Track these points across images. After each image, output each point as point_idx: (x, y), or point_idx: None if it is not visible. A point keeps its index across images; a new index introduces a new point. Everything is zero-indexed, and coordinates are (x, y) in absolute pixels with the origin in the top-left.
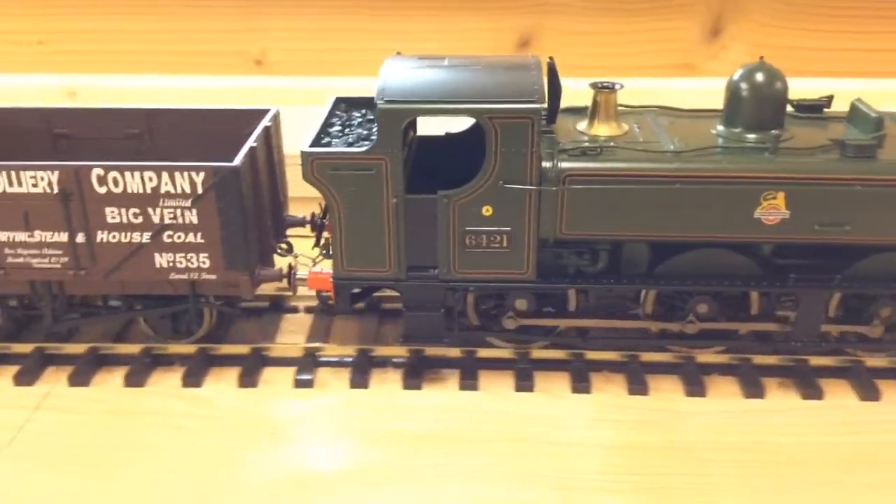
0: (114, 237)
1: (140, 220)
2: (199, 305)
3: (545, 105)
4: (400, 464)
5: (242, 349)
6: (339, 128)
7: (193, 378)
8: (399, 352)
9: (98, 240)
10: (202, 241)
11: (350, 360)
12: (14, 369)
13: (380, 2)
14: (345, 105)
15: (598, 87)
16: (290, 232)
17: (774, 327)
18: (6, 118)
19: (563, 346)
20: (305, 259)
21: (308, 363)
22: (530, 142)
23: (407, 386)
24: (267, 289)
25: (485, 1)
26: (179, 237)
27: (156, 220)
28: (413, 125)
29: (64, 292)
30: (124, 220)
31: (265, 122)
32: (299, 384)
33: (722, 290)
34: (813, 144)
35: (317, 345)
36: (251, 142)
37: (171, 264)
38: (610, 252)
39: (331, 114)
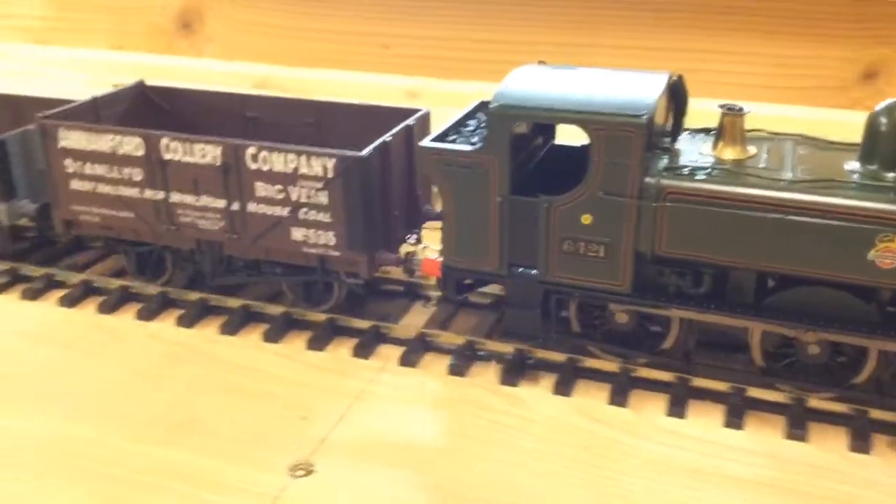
0: (261, 208)
1: (282, 195)
2: (328, 279)
3: (650, 120)
4: None
5: (558, 357)
6: (471, 128)
7: (511, 377)
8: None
9: (249, 209)
10: (330, 220)
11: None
12: (353, 342)
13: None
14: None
15: (726, 110)
16: (428, 225)
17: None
18: (210, 100)
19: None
20: (433, 250)
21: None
22: (633, 155)
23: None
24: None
25: (825, 28)
26: (312, 215)
27: (294, 197)
28: (545, 130)
29: (222, 252)
30: (270, 195)
31: (409, 120)
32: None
33: (829, 336)
34: None
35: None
36: (385, 136)
37: (304, 238)
38: (714, 276)
39: (469, 115)
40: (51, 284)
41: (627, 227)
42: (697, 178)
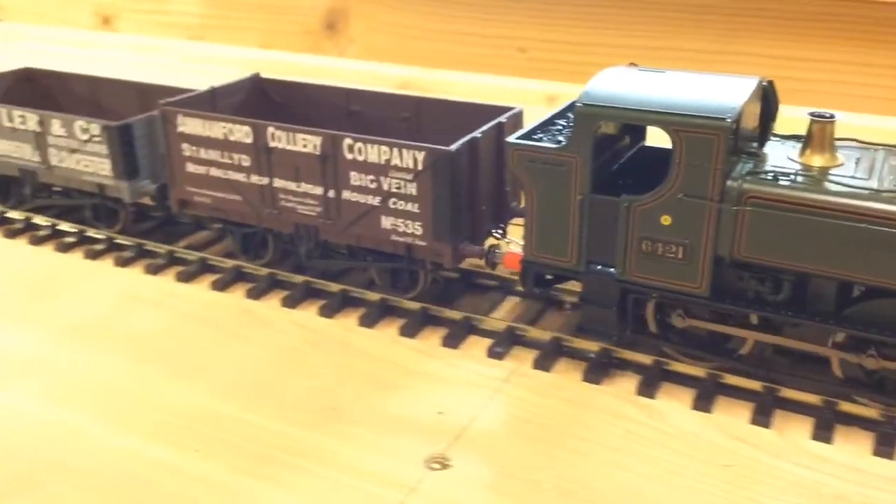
0: (354, 197)
1: (374, 185)
2: (414, 267)
3: (734, 124)
4: None
5: (697, 371)
6: (559, 127)
7: (648, 388)
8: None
9: (343, 197)
10: (418, 210)
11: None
12: (487, 342)
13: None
14: None
15: (815, 117)
16: (516, 221)
17: None
18: (317, 93)
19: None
20: (517, 244)
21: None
22: (714, 158)
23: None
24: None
25: None
26: (401, 204)
27: (385, 187)
28: (635, 131)
29: (318, 237)
30: (363, 184)
31: (501, 118)
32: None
33: None
34: None
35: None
36: (475, 133)
37: (393, 227)
38: (794, 283)
39: (559, 114)
40: (204, 268)
41: (707, 230)
42: (780, 183)
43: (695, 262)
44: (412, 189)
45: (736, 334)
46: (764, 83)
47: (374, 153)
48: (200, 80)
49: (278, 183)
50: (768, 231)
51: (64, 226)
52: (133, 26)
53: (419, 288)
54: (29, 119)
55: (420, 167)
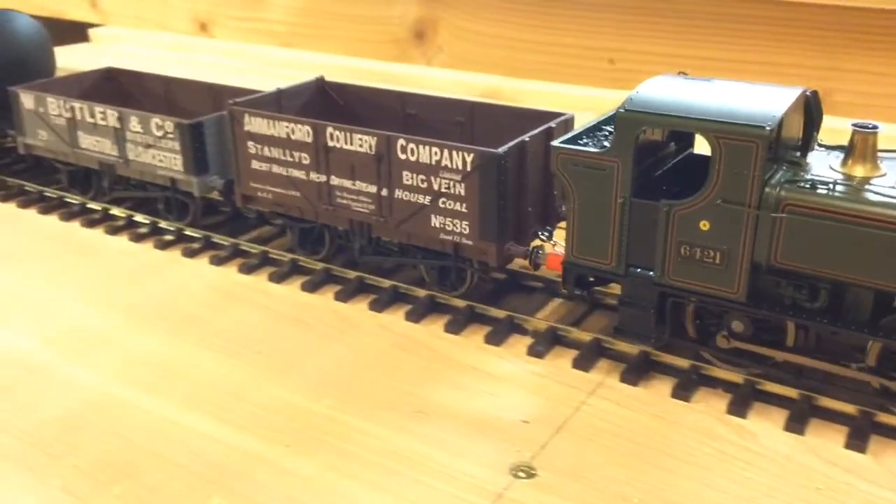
0: (406, 195)
1: (425, 185)
2: (461, 266)
3: (773, 132)
4: None
5: (789, 392)
6: (606, 132)
7: (739, 408)
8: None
9: (395, 195)
10: (465, 210)
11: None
12: (573, 353)
13: None
14: None
15: (857, 128)
16: (563, 224)
17: None
18: (376, 96)
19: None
20: (562, 246)
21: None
22: (753, 165)
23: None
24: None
25: None
26: (450, 204)
27: (435, 187)
28: (682, 138)
29: (371, 233)
30: (414, 183)
31: (551, 123)
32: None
33: None
34: None
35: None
36: (524, 137)
37: (442, 225)
38: (830, 291)
39: (607, 120)
40: (294, 269)
41: (744, 236)
42: (817, 191)
43: (732, 268)
44: (461, 189)
45: (785, 359)
46: (807, 93)
47: (426, 154)
48: (287, 85)
49: (335, 180)
50: (804, 238)
51: (138, 217)
52: (228, 33)
53: (466, 286)
54: (109, 115)
55: (468, 168)
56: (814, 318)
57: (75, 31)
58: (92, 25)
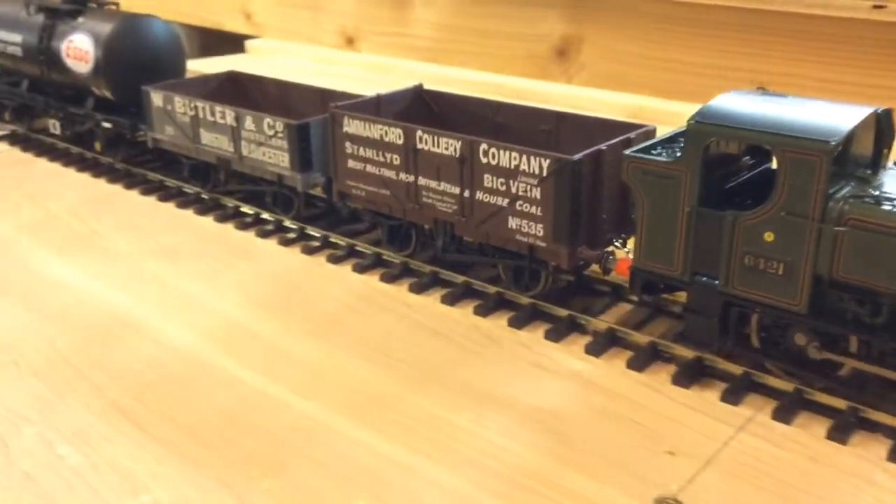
0: (486, 197)
1: (504, 188)
2: (536, 267)
3: (838, 147)
4: None
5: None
6: (681, 143)
7: None
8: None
9: (477, 197)
10: (540, 213)
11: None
12: (722, 385)
13: None
14: None
15: None
16: None
17: None
18: (469, 105)
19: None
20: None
21: None
22: (817, 179)
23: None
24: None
25: None
26: (526, 207)
27: (513, 190)
28: (760, 151)
29: (453, 232)
30: (494, 186)
31: (630, 134)
32: None
33: None
34: None
35: None
36: (601, 145)
37: (518, 227)
38: (893, 307)
39: (683, 132)
40: (435, 281)
41: (807, 249)
42: (882, 207)
43: (794, 279)
44: (537, 193)
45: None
46: (878, 112)
47: (506, 158)
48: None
49: (422, 181)
50: (866, 253)
51: (287, 222)
52: (374, 47)
53: (540, 287)
54: (227, 115)
55: (544, 173)
56: (875, 333)
57: (233, 42)
58: (248, 37)
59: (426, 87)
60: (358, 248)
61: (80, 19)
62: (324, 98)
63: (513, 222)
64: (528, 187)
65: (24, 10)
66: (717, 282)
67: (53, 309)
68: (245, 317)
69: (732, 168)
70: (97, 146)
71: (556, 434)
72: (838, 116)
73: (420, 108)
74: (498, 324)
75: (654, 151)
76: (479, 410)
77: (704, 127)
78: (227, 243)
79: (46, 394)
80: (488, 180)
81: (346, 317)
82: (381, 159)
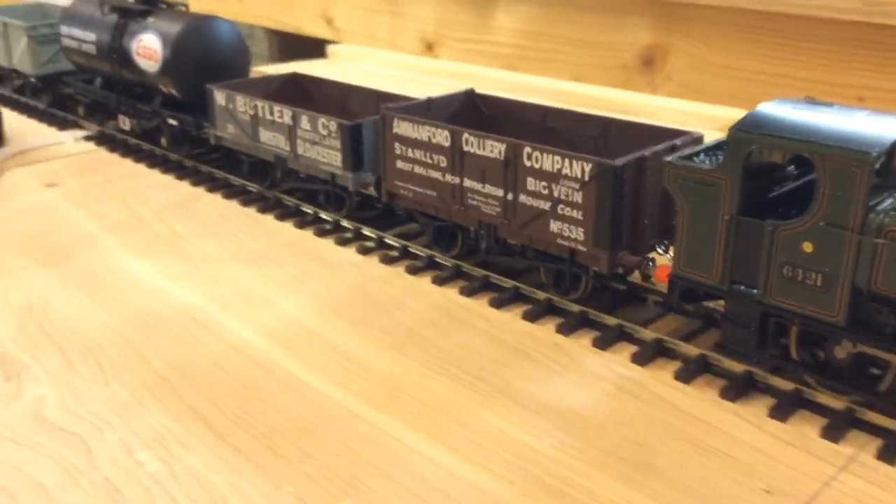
0: (529, 200)
1: (546, 191)
2: (577, 271)
3: (880, 158)
4: None
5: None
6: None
7: None
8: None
9: (520, 200)
10: (581, 217)
11: None
12: (822, 421)
13: None
14: None
15: None
16: None
17: None
18: (519, 109)
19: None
20: None
21: None
22: (857, 189)
23: None
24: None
25: None
26: (567, 211)
27: (555, 194)
28: (806, 163)
29: (497, 234)
30: (537, 189)
31: (676, 140)
32: None
33: None
34: None
35: None
36: (644, 151)
37: (559, 231)
38: None
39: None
40: (515, 296)
41: (846, 261)
42: None
43: (833, 291)
44: (578, 197)
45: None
46: None
47: (549, 162)
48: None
49: (467, 183)
50: None
51: (365, 230)
52: (453, 53)
53: (581, 291)
54: (284, 114)
55: (586, 178)
56: None
57: (314, 47)
58: (327, 42)
59: (504, 94)
60: (437, 260)
61: (151, 19)
62: (379, 100)
63: (554, 226)
64: (570, 191)
65: (99, 10)
66: (755, 291)
67: (135, 311)
68: (323, 326)
69: (777, 177)
70: (163, 142)
71: (645, 465)
72: (882, 127)
73: (471, 111)
74: (580, 343)
75: (696, 158)
76: (559, 436)
77: (745, 135)
78: (306, 250)
79: (127, 397)
80: (531, 183)
81: (424, 330)
82: (429, 161)
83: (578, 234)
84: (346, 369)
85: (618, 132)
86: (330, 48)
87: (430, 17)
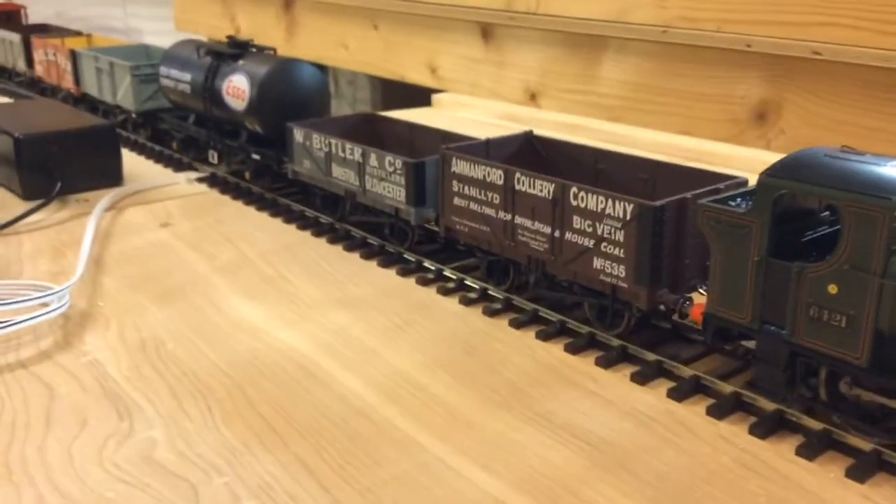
0: (575, 238)
1: (591, 229)
2: (619, 307)
3: None
4: None
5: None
6: None
7: None
8: None
9: (566, 237)
10: (623, 255)
11: None
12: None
13: None
14: None
15: None
16: None
17: None
18: (573, 151)
19: None
20: None
21: None
22: (879, 234)
23: None
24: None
25: None
26: (610, 249)
27: (599, 232)
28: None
29: (544, 269)
30: (582, 227)
31: (720, 185)
32: None
33: None
34: None
35: None
36: (686, 193)
37: (602, 267)
38: None
39: None
40: (622, 356)
41: (869, 303)
42: None
43: (856, 333)
44: (620, 236)
45: None
46: None
47: (594, 202)
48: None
49: (518, 220)
50: None
51: (468, 280)
52: (557, 104)
53: (622, 327)
54: (355, 151)
55: (628, 217)
56: None
57: (417, 94)
58: (431, 90)
59: (598, 145)
60: (541, 314)
61: (241, 62)
62: (444, 139)
63: (597, 262)
64: (613, 230)
65: (196, 53)
66: (784, 331)
67: (243, 354)
68: (426, 378)
69: (810, 221)
70: (246, 175)
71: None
72: None
73: (528, 152)
74: (694, 410)
75: (732, 203)
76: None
77: (773, 180)
78: (408, 298)
79: (234, 442)
80: (577, 222)
81: (529, 387)
82: (483, 198)
83: (620, 271)
84: (452, 425)
85: (667, 175)
86: (435, 97)
87: (534, 67)
